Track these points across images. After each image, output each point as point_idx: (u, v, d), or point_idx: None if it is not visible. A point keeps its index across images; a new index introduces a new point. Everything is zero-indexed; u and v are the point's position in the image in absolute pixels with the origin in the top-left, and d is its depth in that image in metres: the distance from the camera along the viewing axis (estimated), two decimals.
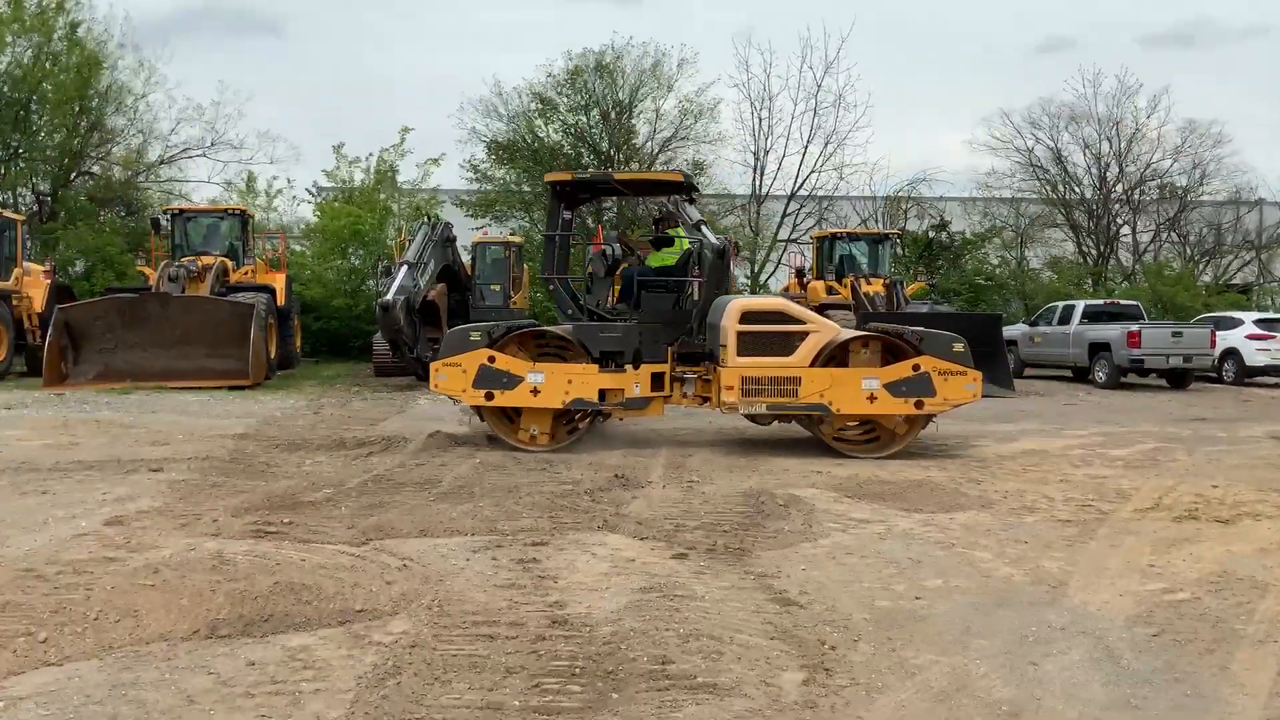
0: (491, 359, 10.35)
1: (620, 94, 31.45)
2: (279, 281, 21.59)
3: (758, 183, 33.74)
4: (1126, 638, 4.64)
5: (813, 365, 10.17)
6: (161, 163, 32.24)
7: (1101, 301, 24.26)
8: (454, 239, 20.11)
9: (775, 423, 11.11)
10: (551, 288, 11.48)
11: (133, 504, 7.26)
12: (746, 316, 10.28)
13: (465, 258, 23.65)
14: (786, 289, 24.89)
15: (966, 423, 13.10)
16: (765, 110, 33.48)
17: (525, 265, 27.26)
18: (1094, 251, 36.48)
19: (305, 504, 7.37)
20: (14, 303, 19.39)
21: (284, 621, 4.65)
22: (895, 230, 28.75)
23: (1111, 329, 21.04)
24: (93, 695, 3.83)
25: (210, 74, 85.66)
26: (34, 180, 29.91)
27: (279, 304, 20.80)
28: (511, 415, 10.69)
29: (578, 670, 4.11)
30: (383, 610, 4.86)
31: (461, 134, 37.97)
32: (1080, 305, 22.85)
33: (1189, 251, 36.93)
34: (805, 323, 10.38)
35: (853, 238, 24.38)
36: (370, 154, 31.44)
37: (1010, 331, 22.78)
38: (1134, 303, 24.11)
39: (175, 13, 78.21)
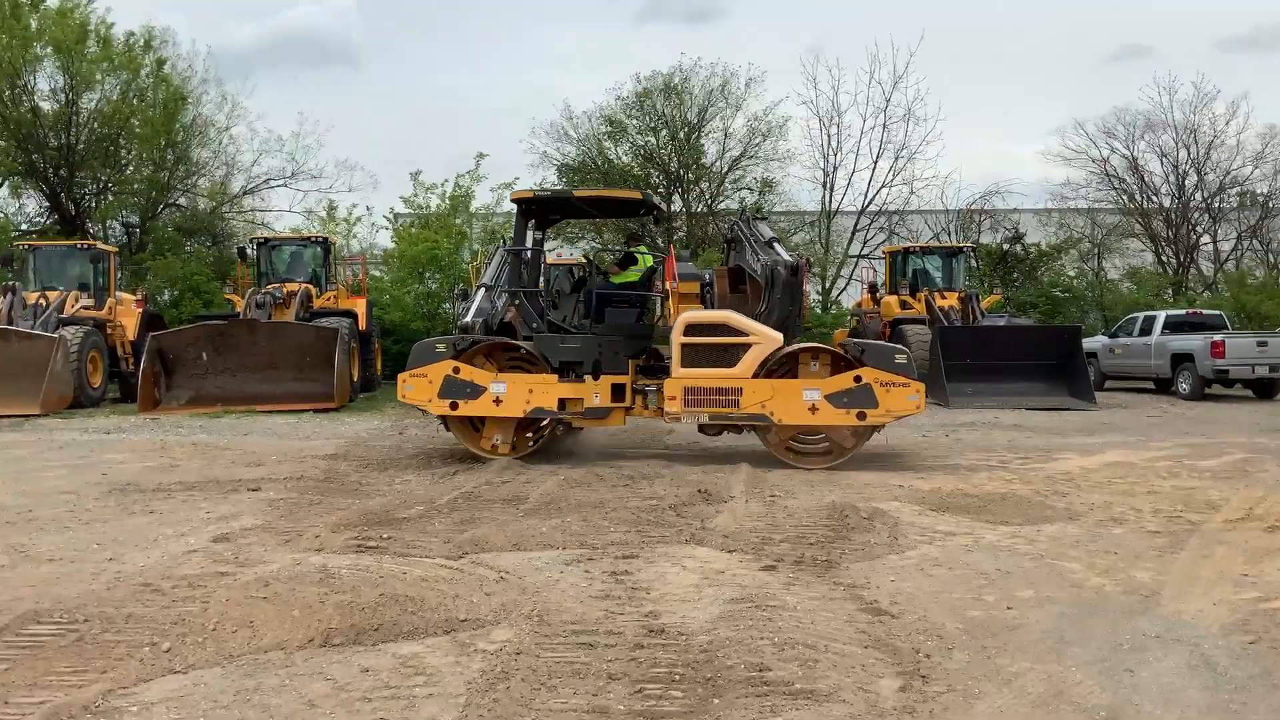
0: (456, 370, 10.81)
1: (689, 114, 31.73)
2: (360, 306, 22.09)
3: (827, 199, 33.75)
4: (1222, 645, 4.64)
5: (755, 376, 10.33)
6: (244, 193, 33.23)
7: (1183, 311, 23.78)
8: (527, 261, 20.37)
9: (725, 434, 11.33)
10: (517, 302, 11.74)
11: (236, 522, 7.56)
12: (690, 329, 10.64)
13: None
14: (859, 305, 24.81)
15: (1049, 435, 13.00)
16: (834, 126, 33.53)
17: None
18: (1174, 261, 35.76)
19: (400, 520, 7.61)
20: (108, 331, 20.10)
21: (392, 630, 4.85)
22: (969, 243, 28.48)
23: (1194, 339, 20.63)
24: (219, 700, 4.04)
25: (290, 106, 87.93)
26: (124, 213, 30.98)
27: (360, 328, 21.28)
28: (476, 425, 11.11)
29: (677, 677, 4.23)
30: (485, 620, 5.03)
31: (533, 158, 38.61)
32: (1161, 316, 22.45)
33: (1272, 259, 36.01)
34: (748, 335, 10.54)
35: (926, 252, 24.22)
36: (446, 180, 32.08)
37: (1090, 344, 22.45)
38: (1217, 312, 23.61)
39: (255, 47, 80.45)
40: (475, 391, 10.75)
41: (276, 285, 20.86)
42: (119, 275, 22.47)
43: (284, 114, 74.16)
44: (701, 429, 11.08)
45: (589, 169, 32.15)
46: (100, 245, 21.70)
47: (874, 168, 33.65)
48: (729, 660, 4.40)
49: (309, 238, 23.91)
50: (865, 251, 32.87)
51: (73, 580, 5.85)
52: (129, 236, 30.56)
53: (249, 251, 22.87)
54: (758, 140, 32.36)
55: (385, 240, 33.31)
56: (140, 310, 21.46)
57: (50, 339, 17.26)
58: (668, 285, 23.53)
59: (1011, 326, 20.18)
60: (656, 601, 5.37)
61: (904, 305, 21.92)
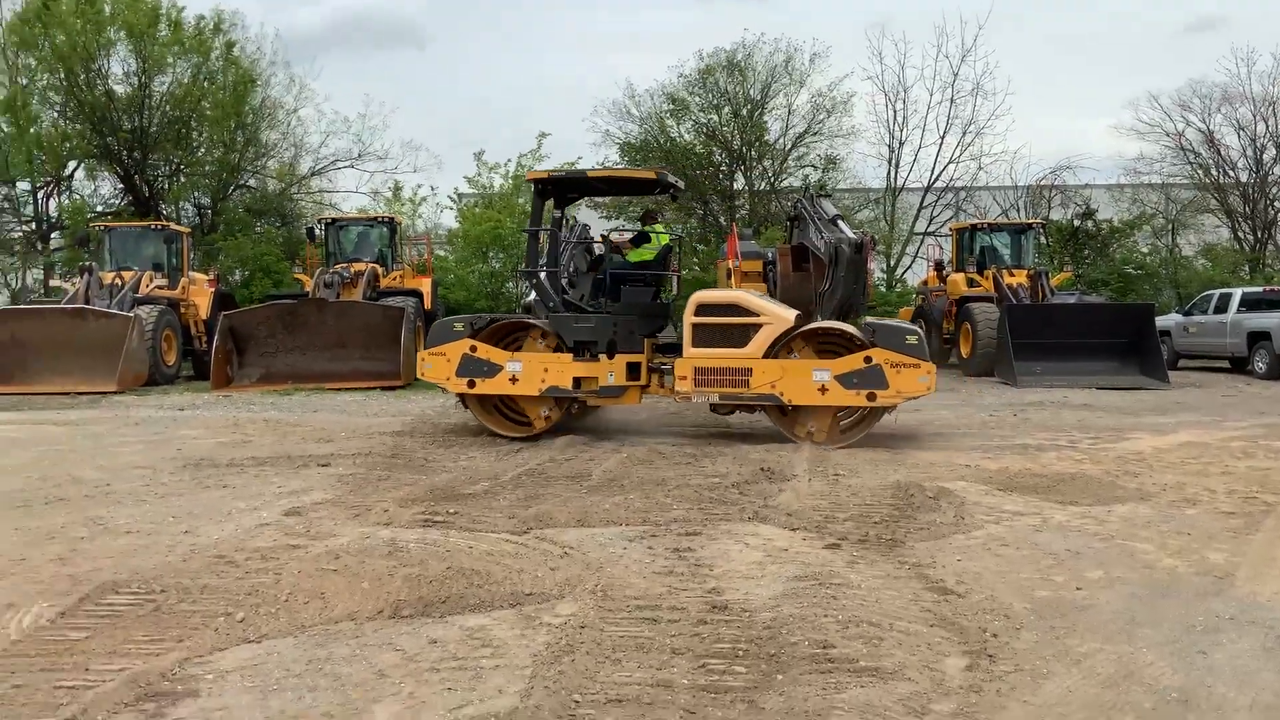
0: (473, 349, 10.91)
1: (752, 91, 31.45)
2: (425, 286, 22.32)
3: (893, 176, 33.32)
4: None
5: (765, 356, 10.34)
6: (312, 174, 33.70)
7: (1260, 289, 23.11)
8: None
9: (737, 413, 11.30)
10: (534, 281, 11.76)
11: (307, 496, 7.71)
12: (701, 309, 10.64)
13: None
14: (925, 282, 24.50)
15: (1120, 415, 12.77)
16: (900, 102, 33.05)
17: None
18: (1250, 237, 34.73)
19: (466, 495, 7.70)
20: (182, 310, 20.56)
21: (459, 603, 4.92)
22: (1039, 220, 27.95)
23: (1272, 317, 20.05)
24: (291, 669, 4.14)
25: (356, 87, 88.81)
26: (195, 194, 31.60)
27: (426, 307, 21.51)
28: (498, 404, 11.31)
29: (741, 652, 4.24)
30: (550, 594, 5.08)
31: (595, 137, 38.65)
32: (1238, 293, 21.84)
33: None
34: (759, 315, 10.51)
35: (994, 228, 23.81)
36: (509, 160, 32.26)
37: (1163, 322, 21.94)
38: None
39: (322, 29, 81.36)
40: (492, 370, 10.90)
41: (344, 265, 21.18)
42: (192, 255, 22.95)
43: (350, 95, 74.98)
44: (713, 408, 11.09)
45: (651, 147, 32.07)
46: (173, 226, 22.17)
47: (941, 143, 33.16)
48: (793, 637, 4.40)
49: (375, 218, 24.20)
50: (931, 229, 32.42)
51: (150, 552, 6.02)
52: (201, 217, 31.16)
53: (317, 232, 23.22)
54: (822, 117, 32.00)
55: (449, 220, 33.66)
56: (212, 290, 21.90)
57: (126, 318, 17.68)
58: (730, 263, 23.54)
59: (1082, 304, 19.78)
60: (719, 578, 5.38)
61: (971, 283, 21.59)
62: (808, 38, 60.98)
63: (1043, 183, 33.77)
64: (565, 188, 12.14)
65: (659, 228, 12.70)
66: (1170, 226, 34.46)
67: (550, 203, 12.06)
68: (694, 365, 10.55)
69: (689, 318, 10.66)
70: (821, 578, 5.32)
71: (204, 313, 21.00)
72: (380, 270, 21.71)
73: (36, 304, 20.13)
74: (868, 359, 10.12)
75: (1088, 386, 17.15)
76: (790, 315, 10.64)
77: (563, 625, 4.57)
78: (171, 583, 5.27)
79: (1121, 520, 6.77)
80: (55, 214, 31.05)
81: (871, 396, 10.12)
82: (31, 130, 28.55)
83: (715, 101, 31.71)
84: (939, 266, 23.64)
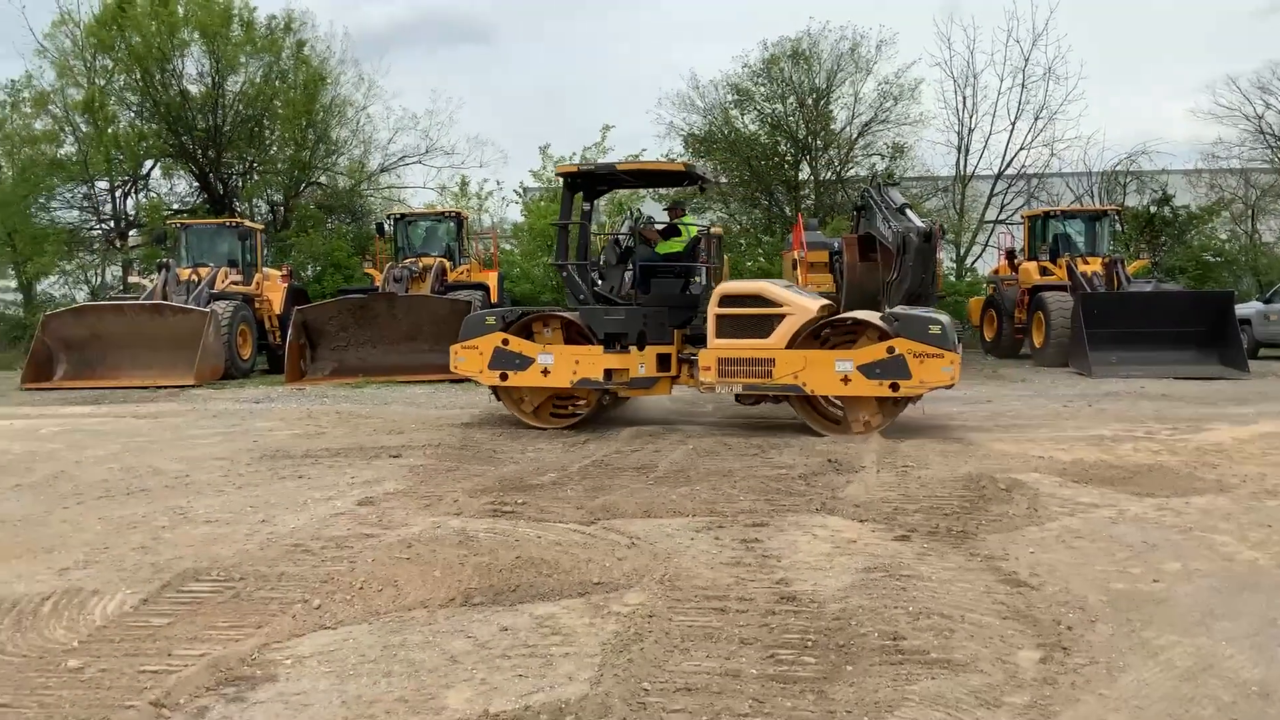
0: (505, 341, 11.12)
1: (817, 80, 31.13)
2: (492, 279, 22.52)
3: (962, 163, 32.77)
4: None
5: (789, 347, 10.36)
6: (381, 170, 34.11)
7: None
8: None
9: (761, 404, 11.34)
10: (564, 274, 11.86)
11: (379, 486, 7.84)
12: (725, 300, 10.67)
13: None
14: (996, 271, 24.12)
15: (1199, 405, 12.46)
16: (969, 88, 32.46)
17: (725, 256, 27.44)
18: None
19: (534, 486, 7.77)
20: (256, 305, 21.00)
21: (529, 592, 4.97)
22: (1113, 206, 27.34)
23: None
24: (366, 655, 4.22)
25: (424, 84, 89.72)
26: (268, 191, 32.18)
27: (492, 301, 21.70)
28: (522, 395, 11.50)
29: (810, 643, 4.23)
30: (618, 583, 5.11)
31: (659, 129, 38.60)
32: None
33: None
34: (782, 305, 10.50)
35: (1067, 215, 23.33)
36: (573, 153, 32.35)
37: (1243, 310, 21.32)
38: None
39: (390, 27, 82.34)
40: (524, 363, 11.07)
41: (412, 260, 21.43)
42: (265, 251, 23.42)
43: (418, 92, 75.69)
44: (738, 399, 11.14)
45: (715, 139, 31.94)
46: (247, 223, 22.64)
47: (1012, 130, 32.50)
48: (862, 628, 4.38)
49: (443, 213, 24.45)
50: (1002, 216, 31.85)
51: (228, 540, 6.17)
52: (274, 214, 31.73)
53: (386, 227, 23.52)
54: (889, 104, 31.55)
55: (515, 214, 33.87)
56: (286, 285, 22.33)
57: (202, 313, 18.10)
58: (795, 254, 23.41)
59: (1159, 292, 19.30)
60: (787, 569, 5.36)
61: (1044, 272, 21.20)
62: (874, 24, 60.28)
63: (1118, 168, 33.03)
64: (594, 181, 12.23)
65: (687, 219, 12.79)
66: (1250, 212, 33.47)
67: (579, 196, 12.19)
68: (718, 356, 10.60)
69: (713, 309, 10.71)
70: (891, 569, 5.28)
71: (277, 308, 21.42)
72: (448, 264, 21.94)
73: (116, 300, 20.67)
74: (890, 349, 10.03)
75: (1165, 376, 16.76)
76: (814, 306, 10.62)
77: (631, 614, 4.60)
78: (250, 570, 5.40)
79: (1200, 512, 6.62)
80: (133, 212, 31.82)
81: (895, 387, 10.05)
82: (110, 130, 29.28)
83: (780, 91, 31.45)
84: (1010, 255, 23.26)
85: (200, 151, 30.18)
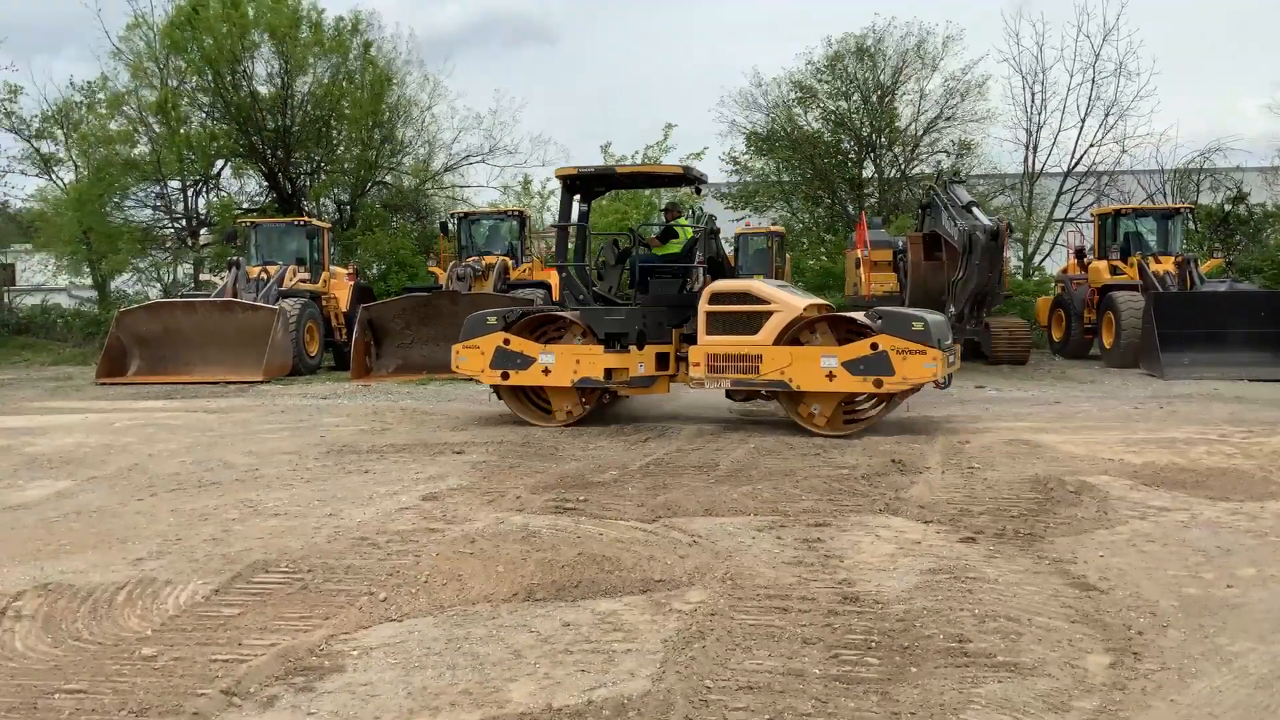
0: (507, 341, 11.29)
1: (882, 77, 30.84)
2: (554, 278, 22.59)
3: (1030, 160, 32.22)
4: None
5: (776, 344, 10.49)
6: (445, 170, 34.40)
7: None
8: (717, 231, 20.35)
9: (750, 401, 11.51)
10: (564, 275, 12.03)
11: (443, 482, 7.92)
12: (715, 298, 10.85)
13: (728, 249, 23.97)
14: (1065, 270, 23.69)
15: (1275, 409, 12.14)
16: (1038, 84, 31.90)
17: (788, 255, 27.32)
18: None
19: (595, 484, 7.80)
20: (323, 303, 21.30)
21: (591, 588, 5.00)
22: (1187, 204, 26.72)
23: None
24: (431, 648, 4.27)
25: (488, 83, 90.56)
26: (335, 191, 32.64)
27: (554, 299, 21.78)
28: (529, 394, 11.69)
29: (873, 644, 4.19)
30: (679, 581, 5.11)
31: (721, 127, 38.50)
32: None
33: None
34: (769, 303, 10.66)
35: (1139, 214, 22.81)
36: (635, 152, 32.40)
37: None
38: None
39: (457, 27, 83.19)
40: (526, 362, 11.22)
41: (476, 258, 21.59)
42: (332, 250, 23.73)
43: (482, 91, 76.37)
44: (728, 394, 11.26)
45: (777, 136, 31.78)
46: (315, 222, 22.97)
47: (1081, 126, 31.88)
48: (927, 630, 4.33)
49: (505, 212, 24.61)
50: (1072, 214, 31.29)
51: (297, 533, 6.28)
52: (340, 213, 32.16)
53: (450, 226, 23.73)
54: (955, 101, 31.12)
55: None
56: (352, 283, 22.62)
57: (271, 310, 18.40)
58: (858, 253, 23.22)
59: (1234, 292, 18.80)
60: (850, 569, 5.32)
61: (1115, 271, 20.76)
62: (941, 20, 59.56)
63: (1191, 165, 32.27)
64: (593, 183, 12.46)
65: (683, 221, 12.99)
66: None
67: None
68: (707, 352, 10.77)
69: (703, 306, 10.88)
70: (956, 571, 5.22)
71: (344, 305, 21.71)
72: (510, 263, 22.07)
73: (188, 297, 21.11)
74: (874, 345, 10.13)
75: (1239, 378, 16.33)
76: (800, 304, 10.75)
77: (693, 612, 4.60)
78: (318, 563, 5.49)
79: (1276, 517, 6.45)
80: (204, 211, 32.44)
81: (879, 383, 10.13)
82: (182, 131, 29.88)
83: (844, 88, 31.21)
84: (1080, 254, 22.84)
85: (269, 151, 30.68)
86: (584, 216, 12.33)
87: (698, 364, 10.81)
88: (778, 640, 4.25)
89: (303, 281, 20.95)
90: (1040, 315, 23.66)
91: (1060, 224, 30.94)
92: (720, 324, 10.78)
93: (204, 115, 30.81)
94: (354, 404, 14.02)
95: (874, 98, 31.00)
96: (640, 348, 11.20)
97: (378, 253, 29.10)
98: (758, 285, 11.14)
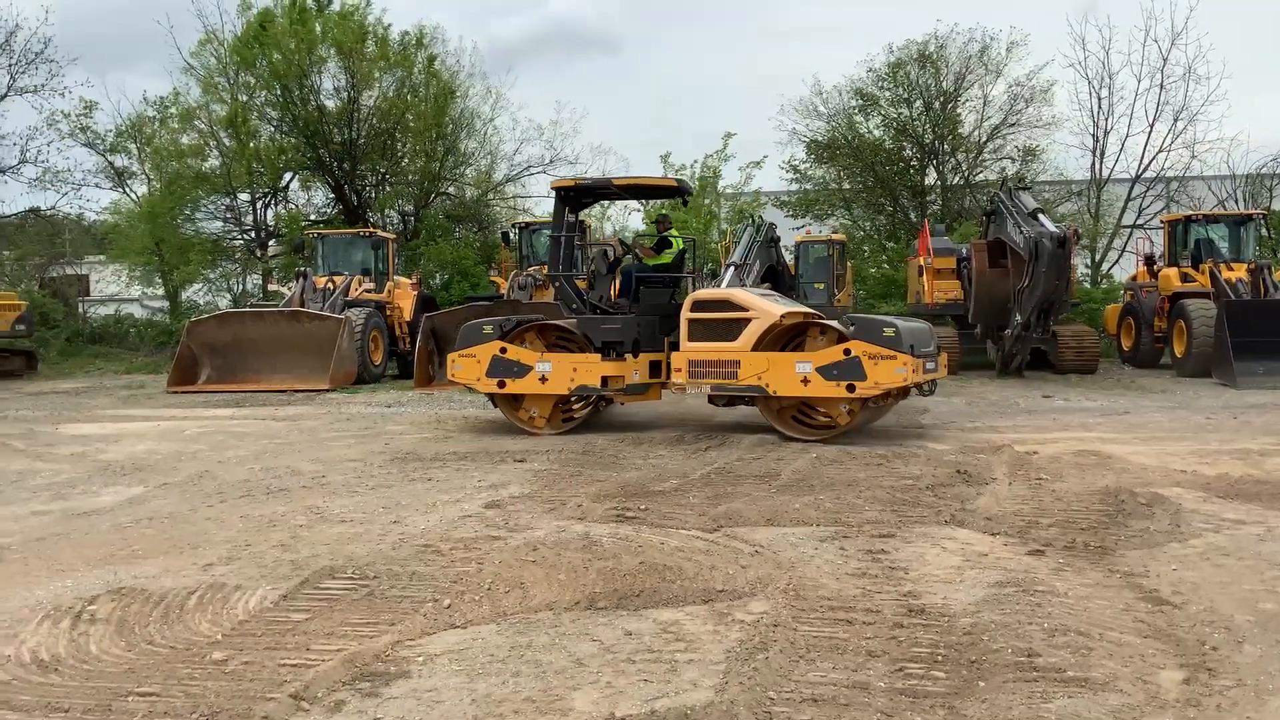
0: (503, 350, 11.51)
1: (945, 83, 30.54)
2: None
3: (1097, 166, 31.70)
4: None
5: (754, 350, 10.72)
6: (506, 181, 34.70)
7: None
8: (778, 239, 20.33)
9: (730, 404, 11.56)
10: (557, 284, 12.45)
11: (505, 490, 7.98)
12: (696, 305, 11.18)
13: (788, 257, 23.85)
14: (1134, 278, 23.23)
15: None
16: (1105, 89, 31.38)
17: (849, 263, 27.12)
18: None
19: (656, 493, 7.80)
20: (387, 312, 21.60)
21: (652, 597, 4.99)
22: (1259, 210, 26.05)
23: None
24: (495, 655, 4.29)
25: (549, 95, 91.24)
26: (400, 202, 33.09)
27: None
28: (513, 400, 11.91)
29: (940, 657, 4.13)
30: (741, 591, 5.09)
31: (781, 136, 38.38)
32: None
33: None
34: (748, 310, 10.91)
35: (1210, 220, 22.32)
36: (695, 161, 32.40)
37: None
38: None
39: (519, 40, 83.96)
40: (522, 370, 11.43)
41: (537, 268, 21.75)
42: (396, 260, 24.04)
43: (543, 103, 76.99)
44: (711, 399, 11.43)
45: (838, 144, 31.60)
46: (380, 233, 23.33)
47: (1150, 132, 31.29)
48: (995, 644, 4.26)
49: None
50: (1140, 221, 30.69)
51: (362, 540, 6.36)
52: (404, 224, 32.58)
53: (511, 236, 23.95)
54: (1020, 107, 30.71)
55: (637, 222, 34.06)
56: (415, 293, 22.90)
57: (337, 320, 18.70)
58: (921, 260, 22.98)
59: None
60: (915, 581, 5.26)
61: (1185, 278, 20.32)
62: (1004, 26, 58.83)
63: (1263, 170, 31.49)
64: (588, 195, 12.87)
65: (674, 233, 13.32)
66: None
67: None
68: (689, 358, 11.00)
69: (685, 314, 11.15)
70: (1025, 584, 5.12)
71: (408, 314, 21.98)
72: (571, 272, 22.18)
73: (257, 307, 21.50)
74: (847, 351, 10.29)
75: None
76: (777, 310, 10.91)
77: (755, 623, 4.57)
78: (383, 569, 5.55)
79: None
80: (273, 223, 33.07)
81: (851, 388, 10.29)
82: (251, 144, 30.52)
83: (906, 95, 30.96)
84: (1149, 261, 22.37)
85: (336, 164, 31.20)
86: (571, 227, 12.60)
87: (679, 369, 11.09)
88: (842, 652, 4.21)
89: (368, 291, 21.26)
90: (1109, 324, 23.23)
91: (1129, 230, 30.37)
92: (701, 330, 11.05)
93: (272, 129, 31.43)
94: (417, 412, 14.19)
95: (936, 104, 30.70)
96: (635, 356, 11.46)
97: (441, 262, 29.44)
98: (737, 293, 11.49)
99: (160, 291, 33.17)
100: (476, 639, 4.49)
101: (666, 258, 12.88)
